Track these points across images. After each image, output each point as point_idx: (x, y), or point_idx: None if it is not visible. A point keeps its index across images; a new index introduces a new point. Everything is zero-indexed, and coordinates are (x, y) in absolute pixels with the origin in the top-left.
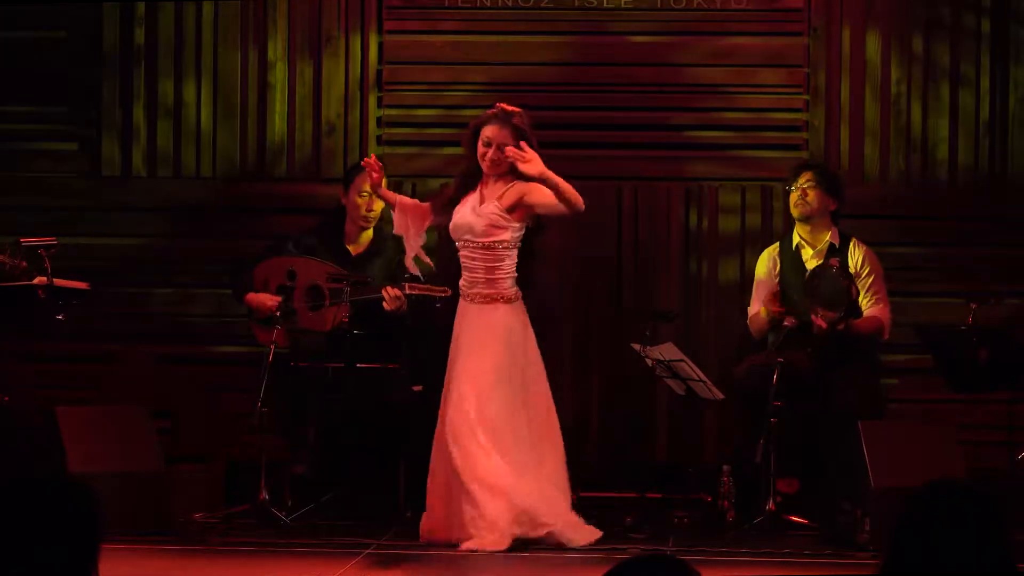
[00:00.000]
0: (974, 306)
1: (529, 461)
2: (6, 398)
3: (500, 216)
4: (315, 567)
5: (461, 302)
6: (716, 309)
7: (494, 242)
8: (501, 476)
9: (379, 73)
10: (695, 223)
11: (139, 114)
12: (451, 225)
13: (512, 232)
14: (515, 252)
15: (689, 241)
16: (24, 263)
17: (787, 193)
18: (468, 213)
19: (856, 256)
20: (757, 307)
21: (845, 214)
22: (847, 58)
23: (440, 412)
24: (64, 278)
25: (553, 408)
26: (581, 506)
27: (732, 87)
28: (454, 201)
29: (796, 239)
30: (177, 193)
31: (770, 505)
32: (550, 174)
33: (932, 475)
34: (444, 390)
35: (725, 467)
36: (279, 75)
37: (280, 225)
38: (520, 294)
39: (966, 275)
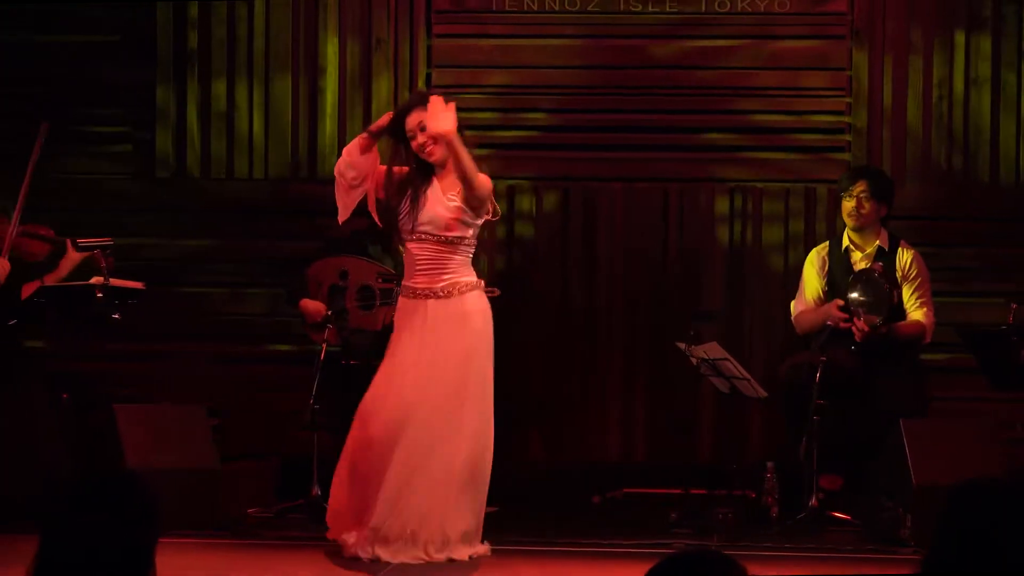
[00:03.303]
0: (1015, 306)
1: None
2: (65, 395)
3: (465, 208)
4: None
5: (412, 300)
6: (760, 309)
7: (455, 238)
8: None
9: (428, 76)
10: (739, 224)
11: (192, 117)
12: (412, 216)
13: (475, 229)
14: (473, 247)
15: (733, 242)
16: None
17: (839, 197)
18: (434, 205)
19: (905, 259)
20: (802, 306)
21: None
22: (889, 61)
23: (401, 404)
24: (120, 278)
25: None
26: (628, 503)
27: (776, 90)
28: (401, 192)
29: (846, 242)
30: (230, 194)
31: (813, 501)
32: (457, 143)
33: (973, 473)
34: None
35: (769, 464)
36: (330, 79)
37: (331, 226)
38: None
39: (1007, 275)
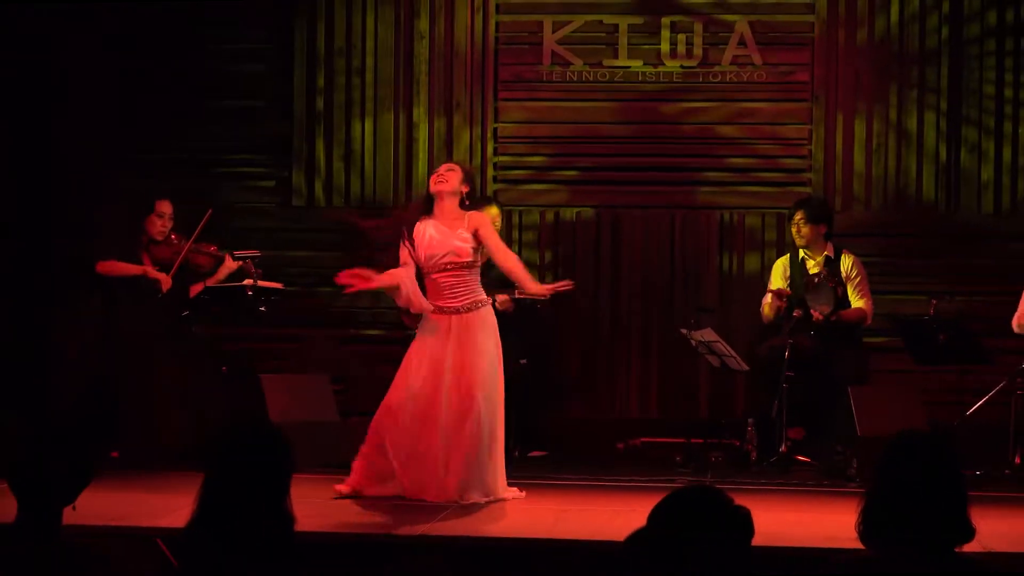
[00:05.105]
0: (934, 301)
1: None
2: (224, 368)
3: (473, 239)
4: None
5: (441, 315)
6: (743, 305)
7: (471, 262)
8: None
9: (495, 130)
10: (728, 241)
11: (319, 160)
12: (429, 255)
13: (481, 251)
14: (480, 263)
15: (724, 254)
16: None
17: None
18: (449, 240)
19: (847, 263)
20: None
21: (841, 233)
22: (841, 118)
23: (433, 396)
24: (265, 280)
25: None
26: (644, 449)
27: (754, 140)
28: (417, 245)
29: (802, 254)
30: (348, 217)
31: (783, 448)
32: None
33: (903, 426)
34: (435, 379)
35: (750, 420)
36: (421, 131)
37: None
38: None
39: (929, 278)
